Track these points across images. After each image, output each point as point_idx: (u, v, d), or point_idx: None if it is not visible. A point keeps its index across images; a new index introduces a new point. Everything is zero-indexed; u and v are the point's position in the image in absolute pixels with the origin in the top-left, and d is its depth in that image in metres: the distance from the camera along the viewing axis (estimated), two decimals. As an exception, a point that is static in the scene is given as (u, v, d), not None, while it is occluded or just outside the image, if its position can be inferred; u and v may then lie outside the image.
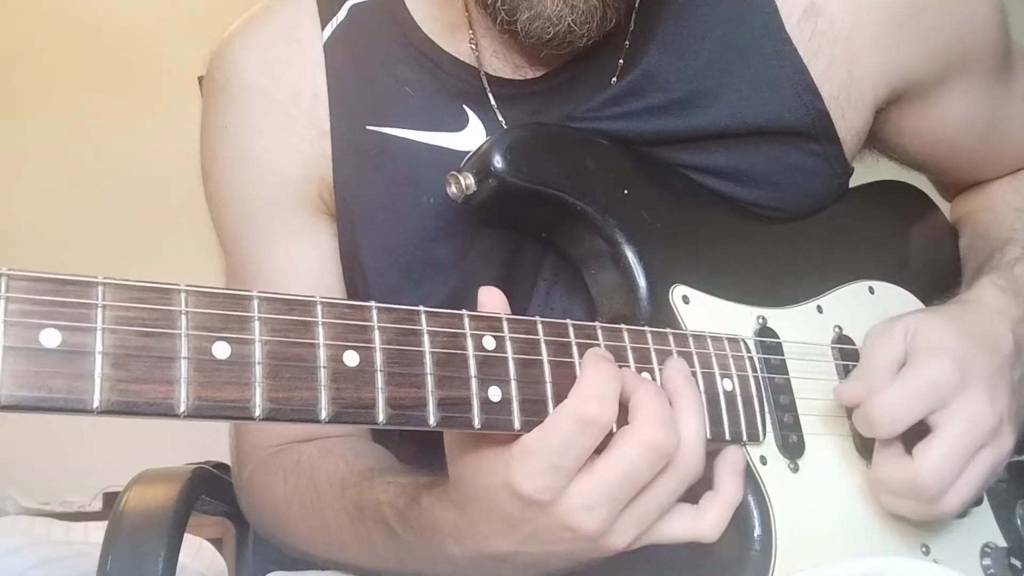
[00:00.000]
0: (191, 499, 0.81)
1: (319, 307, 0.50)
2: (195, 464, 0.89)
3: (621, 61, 0.77)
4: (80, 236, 2.61)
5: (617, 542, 0.58)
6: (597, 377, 0.56)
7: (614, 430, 0.58)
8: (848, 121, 0.79)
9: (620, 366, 0.60)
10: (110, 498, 2.31)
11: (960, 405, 0.67)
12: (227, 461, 0.89)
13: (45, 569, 0.88)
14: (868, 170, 0.91)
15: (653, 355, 0.63)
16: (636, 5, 0.75)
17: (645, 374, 0.62)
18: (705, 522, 0.61)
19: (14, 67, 2.79)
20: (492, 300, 0.58)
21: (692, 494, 0.61)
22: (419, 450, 0.80)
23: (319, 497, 0.74)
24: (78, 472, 2.44)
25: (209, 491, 0.87)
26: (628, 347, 0.62)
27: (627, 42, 0.77)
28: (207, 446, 0.97)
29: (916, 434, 0.68)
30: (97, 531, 1.02)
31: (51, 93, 2.79)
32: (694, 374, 0.64)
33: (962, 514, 0.76)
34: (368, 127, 0.78)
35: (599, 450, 0.56)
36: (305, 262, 0.82)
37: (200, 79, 0.90)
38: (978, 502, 0.77)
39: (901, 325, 0.71)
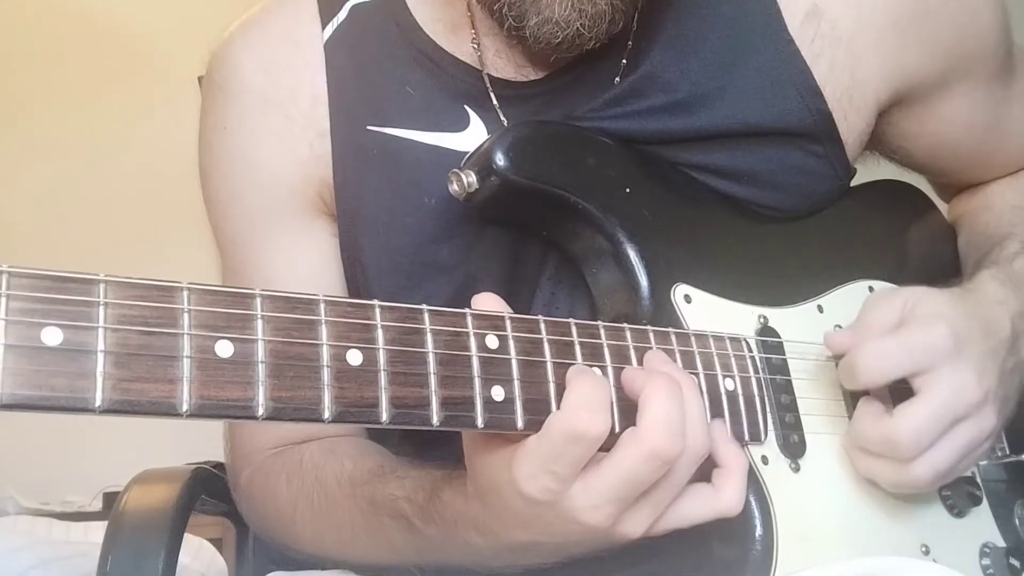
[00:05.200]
0: (191, 499, 0.81)
1: (322, 306, 0.50)
2: (195, 464, 0.89)
3: (624, 61, 0.76)
4: (80, 236, 2.61)
5: (631, 531, 0.58)
6: (583, 389, 0.56)
7: (616, 430, 0.58)
8: (850, 123, 0.79)
9: (622, 366, 0.60)
10: (110, 498, 2.30)
11: (947, 371, 0.67)
12: (227, 462, 0.89)
13: (45, 569, 0.87)
14: (869, 172, 0.91)
15: (655, 355, 0.63)
16: (640, 6, 0.75)
17: (629, 367, 0.61)
18: (724, 498, 0.61)
19: (14, 67, 2.79)
20: (488, 305, 0.58)
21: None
22: (418, 450, 0.80)
23: (327, 497, 0.74)
24: (78, 472, 2.44)
25: (209, 491, 0.87)
26: (631, 346, 0.62)
27: (630, 43, 0.76)
28: (207, 446, 0.97)
29: (899, 400, 0.68)
30: (97, 531, 1.02)
31: (51, 93, 2.79)
32: (696, 374, 0.64)
33: (961, 514, 0.76)
34: (369, 127, 0.78)
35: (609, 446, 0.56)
36: (305, 263, 0.82)
37: (200, 79, 0.90)
38: (977, 502, 0.77)
39: (902, 294, 0.71)
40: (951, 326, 0.68)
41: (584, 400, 0.55)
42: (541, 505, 0.56)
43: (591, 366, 0.59)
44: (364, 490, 0.71)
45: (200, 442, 1.01)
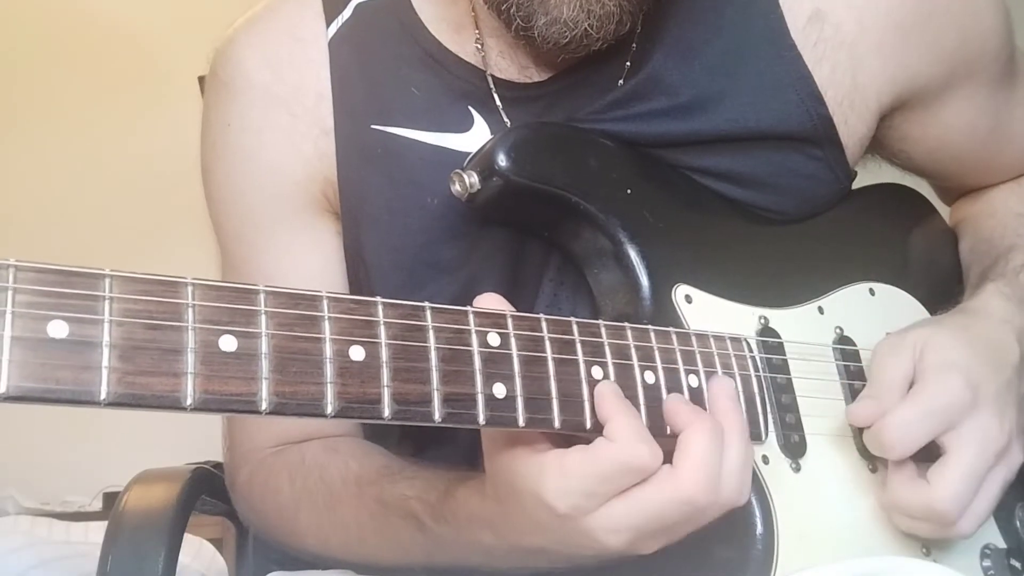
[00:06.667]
0: (191, 499, 0.81)
1: (325, 302, 0.50)
2: (195, 464, 0.89)
3: (628, 64, 0.77)
4: (81, 235, 2.61)
5: (644, 550, 0.59)
6: (634, 423, 0.56)
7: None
8: (851, 127, 0.79)
9: (623, 364, 0.60)
10: (110, 498, 2.30)
11: (971, 426, 0.67)
12: (227, 462, 0.88)
13: (45, 569, 0.87)
14: (871, 175, 0.91)
15: (656, 354, 0.63)
16: (645, 8, 0.75)
17: (676, 395, 0.62)
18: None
19: (15, 67, 2.79)
20: (491, 305, 0.58)
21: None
22: (418, 451, 0.80)
23: (332, 496, 0.74)
24: (78, 472, 2.44)
25: (209, 491, 0.87)
26: (631, 345, 0.62)
27: (634, 45, 0.77)
28: (207, 446, 0.97)
29: (925, 452, 0.68)
30: (97, 531, 1.01)
31: (52, 92, 2.79)
32: (695, 373, 0.64)
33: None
34: (373, 126, 0.78)
35: None
36: (308, 261, 0.82)
37: (201, 79, 0.90)
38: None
39: (909, 341, 0.71)
40: (964, 374, 0.68)
41: (638, 432, 0.56)
42: (563, 519, 0.56)
43: (591, 364, 0.59)
44: (372, 490, 0.71)
45: (200, 442, 1.01)
